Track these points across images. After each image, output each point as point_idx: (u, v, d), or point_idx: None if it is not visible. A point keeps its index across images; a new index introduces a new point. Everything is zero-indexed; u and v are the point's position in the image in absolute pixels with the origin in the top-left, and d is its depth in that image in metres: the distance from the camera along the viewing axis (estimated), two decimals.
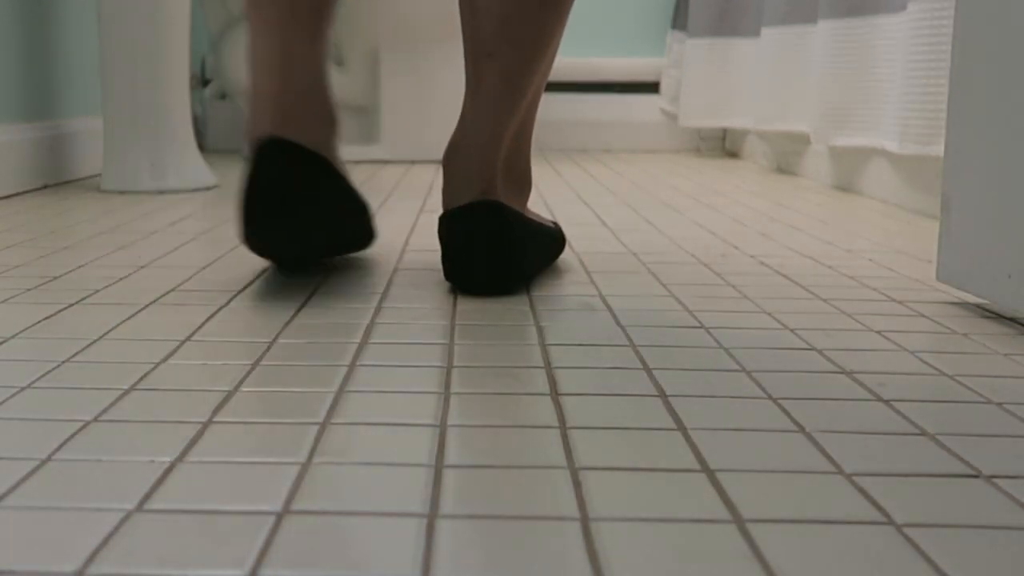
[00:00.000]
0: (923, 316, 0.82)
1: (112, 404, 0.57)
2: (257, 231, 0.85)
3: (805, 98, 1.88)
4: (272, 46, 0.90)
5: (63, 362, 0.65)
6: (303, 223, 0.86)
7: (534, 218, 0.95)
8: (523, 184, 0.95)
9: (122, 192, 1.56)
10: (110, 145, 1.58)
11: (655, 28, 2.62)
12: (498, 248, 0.86)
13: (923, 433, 0.54)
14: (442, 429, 0.54)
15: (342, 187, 0.90)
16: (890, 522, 0.43)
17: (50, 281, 0.90)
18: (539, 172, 1.98)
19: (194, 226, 1.23)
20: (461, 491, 0.46)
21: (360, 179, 1.82)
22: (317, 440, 0.52)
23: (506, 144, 0.91)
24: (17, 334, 0.72)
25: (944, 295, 0.90)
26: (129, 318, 0.77)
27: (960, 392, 0.62)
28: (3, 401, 0.57)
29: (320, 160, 0.87)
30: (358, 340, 0.71)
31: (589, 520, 0.43)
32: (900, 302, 0.87)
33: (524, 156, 0.95)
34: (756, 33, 2.19)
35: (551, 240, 0.97)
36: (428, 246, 1.11)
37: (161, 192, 1.57)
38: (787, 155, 2.08)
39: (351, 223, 0.93)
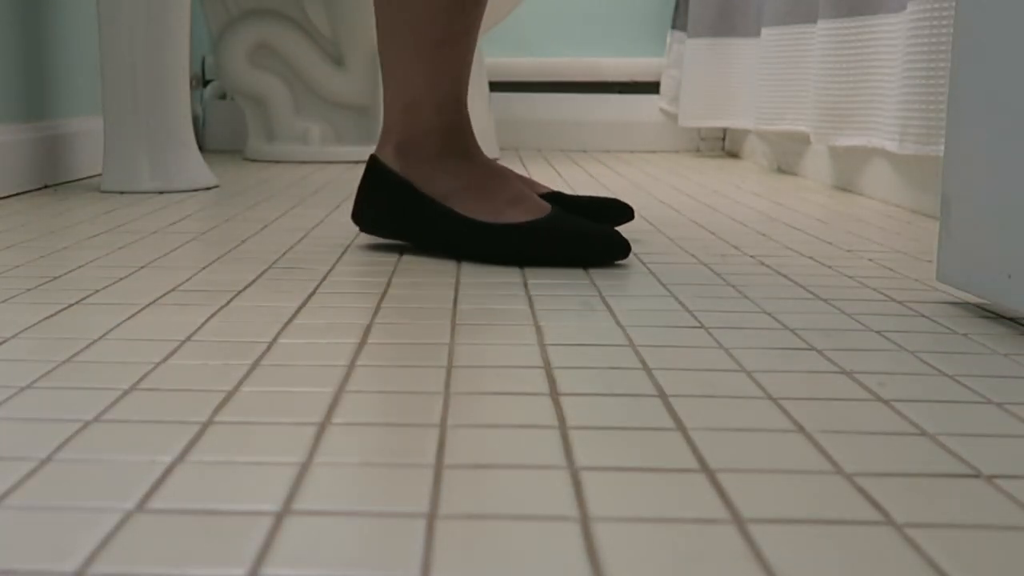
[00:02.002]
0: (923, 316, 0.82)
1: (112, 404, 0.57)
2: None
3: (805, 98, 1.88)
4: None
5: (63, 362, 0.65)
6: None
7: (482, 215, 1.01)
8: (430, 162, 1.04)
9: (122, 192, 1.56)
10: (110, 145, 1.58)
11: (655, 28, 2.62)
12: (361, 194, 1.08)
13: (923, 433, 0.54)
14: (442, 429, 0.54)
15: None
16: (890, 522, 0.43)
17: (50, 281, 0.90)
18: (540, 172, 1.98)
19: (194, 226, 1.23)
20: (461, 491, 0.46)
21: (359, 179, 1.82)
22: (317, 440, 0.52)
23: (392, 108, 1.05)
24: (17, 334, 0.72)
25: (944, 295, 0.90)
26: (129, 318, 0.77)
27: (960, 392, 0.62)
28: (3, 401, 0.57)
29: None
30: (358, 340, 0.71)
31: (589, 520, 0.43)
32: (900, 302, 0.87)
33: (420, 128, 1.04)
34: (756, 33, 2.19)
35: (490, 234, 1.01)
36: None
37: (161, 192, 1.57)
38: (787, 155, 2.08)
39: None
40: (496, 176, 1.05)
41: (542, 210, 1.01)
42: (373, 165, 1.07)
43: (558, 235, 0.99)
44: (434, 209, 1.03)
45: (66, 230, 1.19)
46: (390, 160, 1.06)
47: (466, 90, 1.06)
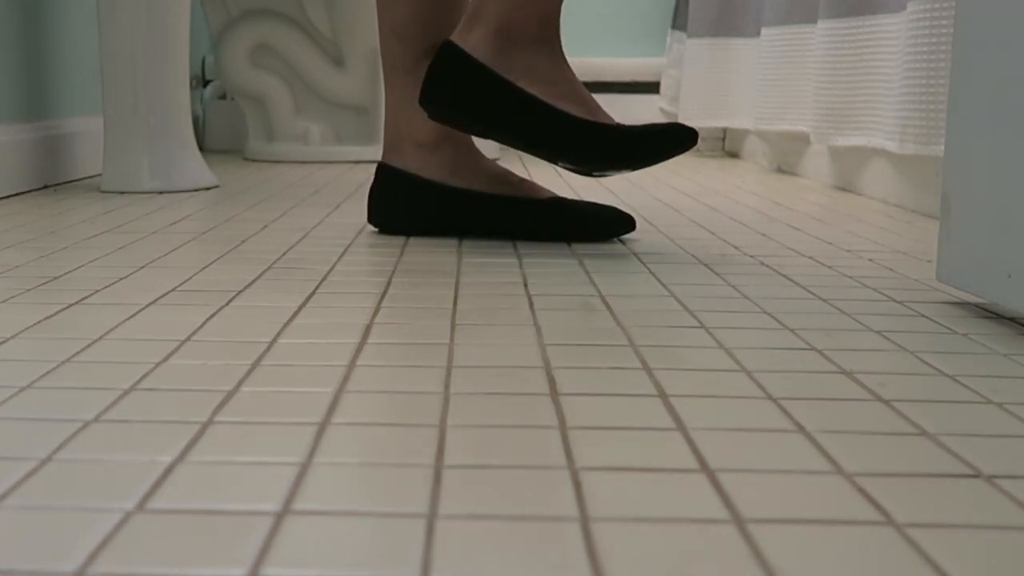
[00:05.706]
0: (923, 316, 0.82)
1: (112, 404, 0.57)
2: None
3: (805, 98, 1.88)
4: None
5: (63, 362, 0.65)
6: None
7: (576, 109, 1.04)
8: (530, 50, 1.04)
9: (122, 192, 1.56)
10: (110, 145, 1.58)
11: (655, 28, 2.62)
12: (433, 79, 1.05)
13: (923, 433, 0.54)
14: (442, 429, 0.54)
15: None
16: (890, 522, 0.43)
17: (50, 281, 0.90)
18: (540, 173, 1.98)
19: (194, 226, 1.23)
20: (461, 491, 0.46)
21: (360, 178, 1.82)
22: (317, 440, 0.52)
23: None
24: (17, 334, 0.72)
25: (944, 295, 0.90)
26: (129, 318, 0.77)
27: (960, 392, 0.62)
28: (3, 401, 0.57)
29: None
30: (358, 340, 0.71)
31: (589, 520, 0.43)
32: (900, 302, 0.87)
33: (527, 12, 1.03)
34: (756, 33, 2.19)
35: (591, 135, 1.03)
36: (428, 246, 1.11)
37: (161, 192, 1.57)
38: (787, 155, 2.08)
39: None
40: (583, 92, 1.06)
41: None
42: (450, 51, 1.03)
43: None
44: (526, 100, 1.02)
45: (66, 230, 1.19)
46: (479, 46, 1.03)
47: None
